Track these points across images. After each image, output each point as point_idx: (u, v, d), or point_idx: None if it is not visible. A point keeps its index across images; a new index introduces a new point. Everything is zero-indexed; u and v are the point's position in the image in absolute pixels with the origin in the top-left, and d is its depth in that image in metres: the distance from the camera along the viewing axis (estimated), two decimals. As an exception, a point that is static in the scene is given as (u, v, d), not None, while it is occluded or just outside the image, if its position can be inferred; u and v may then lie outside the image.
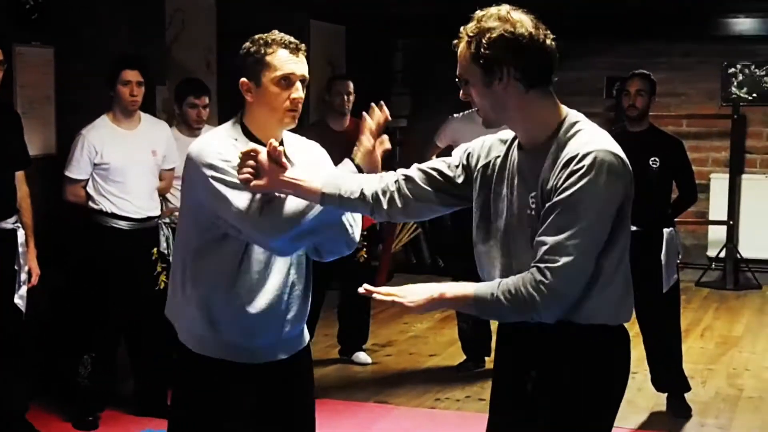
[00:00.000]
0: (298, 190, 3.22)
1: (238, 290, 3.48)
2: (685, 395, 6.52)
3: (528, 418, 3.07)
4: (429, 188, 3.21)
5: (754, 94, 11.04)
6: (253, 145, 3.29)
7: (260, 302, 3.51)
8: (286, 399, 3.72)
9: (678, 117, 11.08)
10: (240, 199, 3.30)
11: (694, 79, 11.20)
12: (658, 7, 10.59)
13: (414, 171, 3.24)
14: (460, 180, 3.19)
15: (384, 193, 3.20)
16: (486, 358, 7.50)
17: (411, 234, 10.92)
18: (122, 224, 6.16)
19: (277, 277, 3.52)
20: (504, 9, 2.96)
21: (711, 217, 11.00)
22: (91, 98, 6.64)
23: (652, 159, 6.38)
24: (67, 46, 6.75)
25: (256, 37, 3.50)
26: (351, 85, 7.38)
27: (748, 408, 6.70)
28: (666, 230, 6.39)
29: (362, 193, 3.20)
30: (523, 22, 2.93)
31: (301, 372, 3.79)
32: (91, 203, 6.15)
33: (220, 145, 3.42)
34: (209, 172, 3.35)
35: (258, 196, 3.29)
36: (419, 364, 7.76)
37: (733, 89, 11.08)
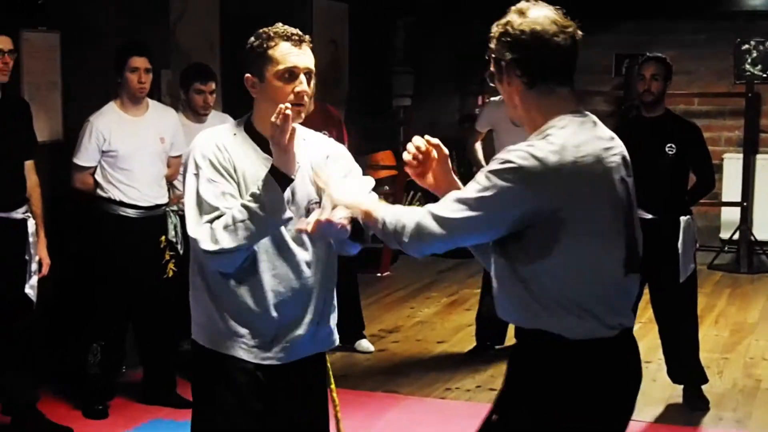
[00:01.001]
0: None
1: (247, 283, 3.42)
2: (702, 387, 6.42)
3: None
4: None
5: (769, 72, 10.87)
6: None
7: (268, 299, 3.43)
8: (296, 402, 3.63)
9: (690, 95, 10.93)
10: (198, 202, 3.34)
11: (705, 57, 11.05)
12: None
13: None
14: None
15: None
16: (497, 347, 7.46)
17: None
18: (130, 212, 6.08)
19: (289, 275, 3.44)
20: (525, 5, 2.97)
21: (724, 199, 10.83)
22: (97, 83, 6.58)
23: (669, 145, 6.25)
24: (73, 30, 6.63)
25: (260, 31, 3.42)
26: None
27: (767, 400, 6.57)
28: (683, 218, 6.25)
29: None
30: (536, 18, 2.91)
31: (317, 374, 3.73)
32: (99, 191, 6.07)
33: (215, 139, 3.42)
34: (190, 167, 3.40)
35: (218, 211, 3.31)
36: (427, 352, 7.65)
37: (747, 66, 10.87)
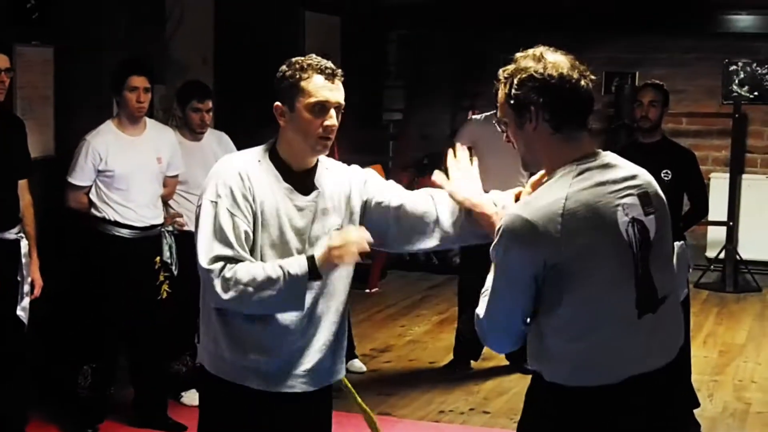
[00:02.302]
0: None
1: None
2: (694, 410, 6.42)
3: None
4: None
5: (756, 93, 10.77)
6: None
7: (278, 326, 3.41)
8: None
9: (678, 115, 10.93)
10: (215, 231, 3.31)
11: (694, 76, 11.07)
12: (659, 2, 10.48)
13: None
14: None
15: None
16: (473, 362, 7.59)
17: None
18: (125, 232, 6.01)
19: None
20: (539, 50, 2.97)
21: (710, 218, 10.72)
22: (90, 98, 6.52)
23: (664, 171, 6.26)
24: (67, 45, 6.58)
25: (293, 60, 3.41)
26: None
27: (757, 424, 6.58)
28: (677, 243, 6.22)
29: None
30: (557, 62, 2.91)
31: (324, 406, 3.70)
32: (93, 210, 5.99)
33: (240, 167, 3.39)
34: (209, 192, 3.37)
35: (233, 249, 3.30)
36: (419, 372, 7.63)
37: (734, 87, 10.87)
